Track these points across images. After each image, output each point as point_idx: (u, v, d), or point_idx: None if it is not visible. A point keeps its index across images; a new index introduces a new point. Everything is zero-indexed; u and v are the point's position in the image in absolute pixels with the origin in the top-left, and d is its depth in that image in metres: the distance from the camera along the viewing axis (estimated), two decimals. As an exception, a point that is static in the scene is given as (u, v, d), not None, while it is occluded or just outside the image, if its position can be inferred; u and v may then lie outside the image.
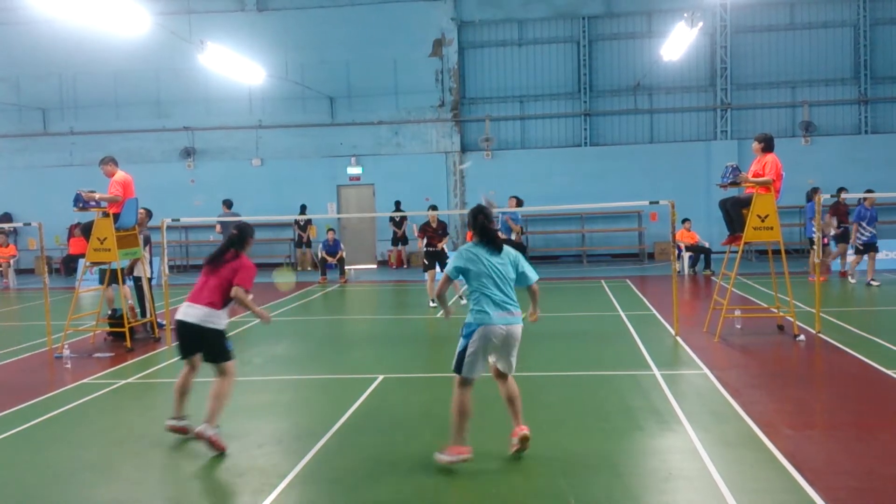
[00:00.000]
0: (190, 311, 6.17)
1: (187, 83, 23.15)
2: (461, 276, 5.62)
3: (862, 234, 15.53)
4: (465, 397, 5.49)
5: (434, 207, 17.28)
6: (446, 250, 14.37)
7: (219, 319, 6.19)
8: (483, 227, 5.60)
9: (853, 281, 15.82)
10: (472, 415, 5.51)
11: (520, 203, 13.80)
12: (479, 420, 5.98)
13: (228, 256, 6.32)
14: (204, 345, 6.24)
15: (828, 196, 10.60)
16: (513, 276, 5.61)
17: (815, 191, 15.03)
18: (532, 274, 5.72)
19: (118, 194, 10.48)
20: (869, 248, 15.50)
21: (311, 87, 22.80)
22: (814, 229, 15.36)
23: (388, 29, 22.83)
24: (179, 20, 19.45)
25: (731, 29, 22.09)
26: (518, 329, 5.56)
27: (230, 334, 6.63)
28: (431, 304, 13.81)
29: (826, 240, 15.89)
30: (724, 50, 22.09)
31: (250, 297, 6.24)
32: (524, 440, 5.63)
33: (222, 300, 6.20)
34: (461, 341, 5.51)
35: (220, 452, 5.95)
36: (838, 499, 4.79)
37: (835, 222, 16.07)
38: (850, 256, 16.34)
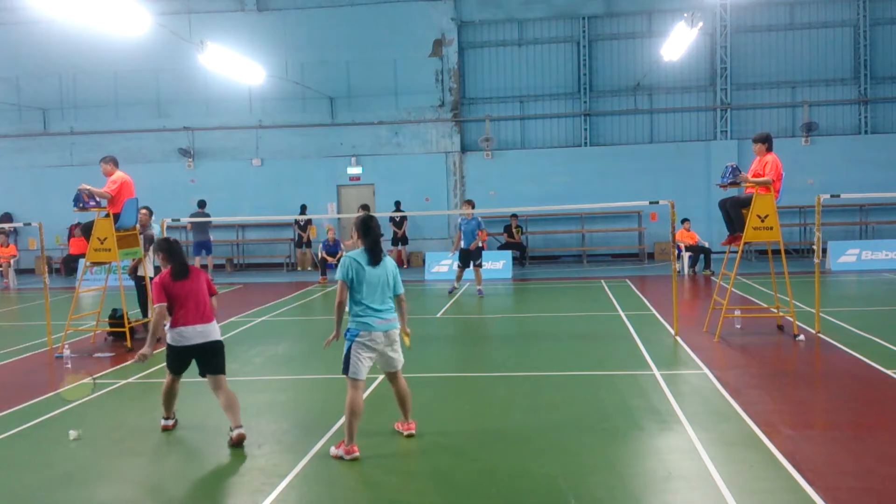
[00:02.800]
0: (207, 331, 6.39)
1: (187, 83, 23.13)
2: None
3: None
4: (356, 398, 5.83)
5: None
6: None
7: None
8: (375, 239, 5.96)
9: None
10: (361, 415, 5.87)
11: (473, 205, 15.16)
12: (475, 420, 5.96)
13: (190, 266, 6.60)
14: (214, 358, 6.43)
15: (827, 196, 10.56)
16: (391, 283, 6.03)
17: None
18: (400, 287, 6.13)
19: (110, 192, 10.43)
20: None
21: (311, 87, 22.79)
22: None
23: (388, 29, 22.82)
24: (179, 20, 19.47)
25: (731, 29, 22.08)
26: (395, 332, 6.03)
27: (233, 333, 6.67)
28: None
29: None
30: (724, 50, 22.07)
31: None
32: (409, 436, 6.21)
33: (212, 308, 6.59)
34: (346, 344, 5.94)
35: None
36: (838, 499, 4.80)
37: None
38: None
